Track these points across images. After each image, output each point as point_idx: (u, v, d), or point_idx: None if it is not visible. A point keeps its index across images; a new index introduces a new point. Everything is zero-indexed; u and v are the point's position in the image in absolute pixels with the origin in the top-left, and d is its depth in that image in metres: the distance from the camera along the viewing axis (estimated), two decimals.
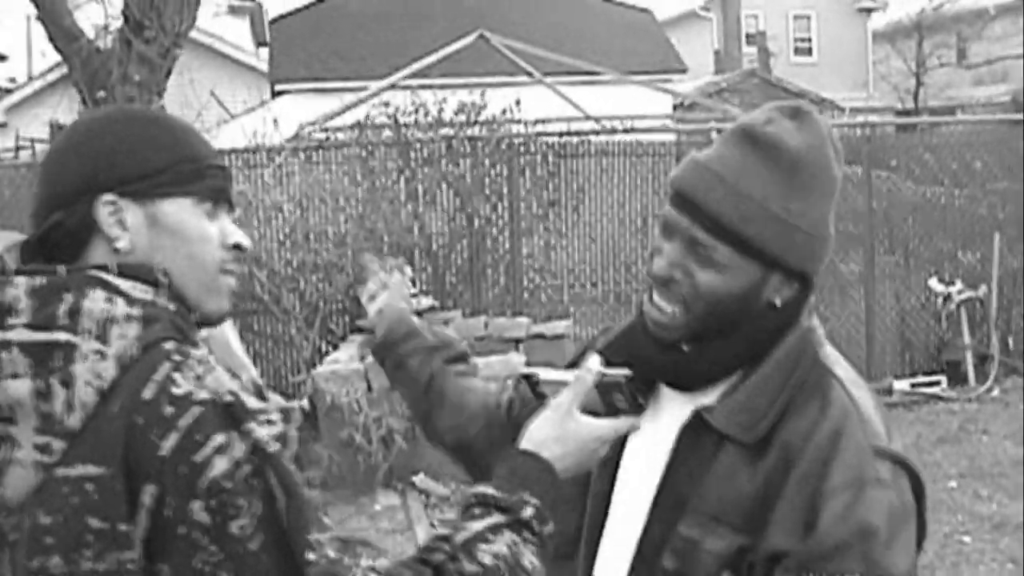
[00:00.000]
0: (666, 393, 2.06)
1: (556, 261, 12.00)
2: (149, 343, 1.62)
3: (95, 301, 1.62)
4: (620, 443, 2.06)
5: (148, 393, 1.56)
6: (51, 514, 1.56)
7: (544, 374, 2.03)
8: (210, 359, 1.64)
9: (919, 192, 12.99)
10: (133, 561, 1.55)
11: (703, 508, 1.92)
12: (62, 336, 1.60)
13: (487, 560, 1.69)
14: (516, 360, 9.71)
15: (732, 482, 1.91)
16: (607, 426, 1.94)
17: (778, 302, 1.97)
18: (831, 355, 2.02)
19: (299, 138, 11.79)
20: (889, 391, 11.61)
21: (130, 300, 1.65)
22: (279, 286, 10.61)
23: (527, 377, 2.06)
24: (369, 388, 9.29)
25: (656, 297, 1.98)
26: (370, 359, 9.55)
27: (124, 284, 1.67)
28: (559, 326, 10.49)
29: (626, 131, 12.71)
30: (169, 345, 1.63)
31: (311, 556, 1.55)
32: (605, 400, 1.96)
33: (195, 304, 1.77)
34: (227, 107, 21.46)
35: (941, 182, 13.14)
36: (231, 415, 1.57)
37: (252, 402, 1.61)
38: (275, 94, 21.76)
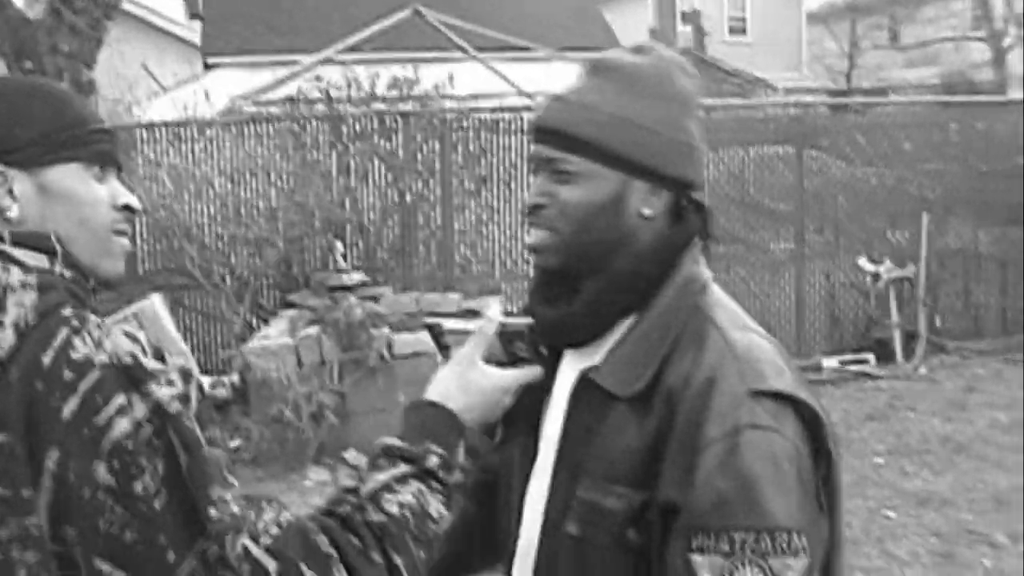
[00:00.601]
0: (566, 355, 2.06)
1: (487, 237, 11.97)
2: (47, 310, 1.62)
3: None
4: (540, 406, 2.07)
5: (47, 359, 1.57)
6: None
7: (447, 324, 2.04)
8: (107, 323, 1.64)
9: (850, 172, 13.09)
10: (37, 526, 1.55)
11: (598, 469, 1.91)
12: None
13: (393, 509, 1.71)
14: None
15: (622, 439, 1.90)
16: (509, 376, 1.96)
17: (647, 211, 1.96)
18: (714, 299, 2.00)
19: (231, 112, 11.69)
20: (818, 368, 11.73)
21: (25, 268, 1.66)
22: (210, 260, 10.54)
23: (430, 327, 2.06)
24: (299, 363, 9.25)
25: (530, 229, 2.00)
26: (301, 334, 9.54)
27: (18, 253, 1.69)
28: (491, 302, 10.48)
29: None
30: (67, 311, 1.63)
31: (214, 513, 1.56)
32: (507, 350, 1.97)
33: (90, 268, 1.78)
34: (159, 80, 21.26)
35: (872, 162, 13.24)
36: (131, 377, 1.58)
37: (152, 363, 1.61)
38: (207, 67, 21.56)
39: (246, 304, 10.57)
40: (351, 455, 8.91)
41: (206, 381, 10.19)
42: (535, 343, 1.96)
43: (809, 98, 18.70)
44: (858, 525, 7.45)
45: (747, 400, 1.81)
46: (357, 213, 11.27)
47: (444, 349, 2.26)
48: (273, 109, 11.66)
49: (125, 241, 1.85)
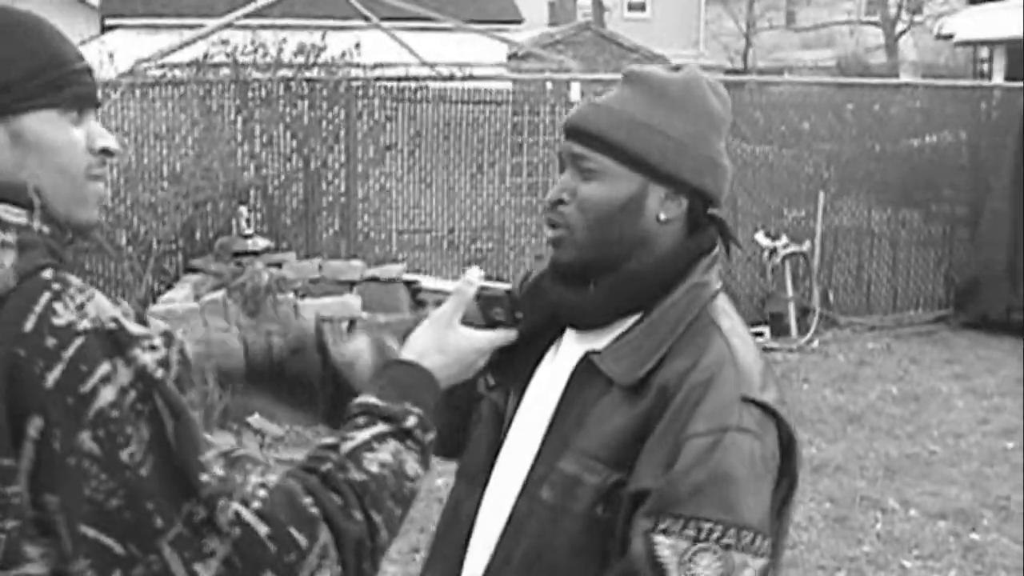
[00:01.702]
0: (569, 334, 2.14)
1: (390, 206, 12.00)
2: (27, 272, 1.58)
3: None
4: (526, 379, 2.16)
5: (29, 325, 1.53)
6: None
7: (426, 282, 2.10)
8: (89, 286, 1.60)
9: (748, 150, 13.28)
10: (17, 495, 1.53)
11: (582, 445, 1.99)
12: None
13: (373, 468, 1.73)
14: (353, 302, 9.74)
15: (610, 421, 1.98)
16: (485, 338, 2.03)
17: (663, 216, 2.04)
18: (719, 305, 2.08)
19: (135, 74, 11.56)
20: None
21: (4, 225, 1.62)
22: (112, 224, 10.42)
23: (409, 283, 2.12)
24: (206, 326, 9.22)
25: (549, 220, 2.08)
26: (206, 298, 9.52)
27: None
28: (393, 269, 10.49)
29: (463, 78, 12.74)
30: (47, 274, 1.59)
31: (204, 477, 1.56)
32: (485, 313, 2.03)
33: (65, 217, 1.71)
34: None
35: (769, 141, 13.45)
36: (115, 342, 1.55)
37: (135, 328, 1.58)
38: (105, 28, 21.21)
39: (149, 269, 10.49)
40: (255, 419, 8.91)
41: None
42: (513, 309, 2.02)
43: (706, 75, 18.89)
44: None
45: (738, 404, 1.91)
46: (261, 179, 11.22)
47: (419, 305, 2.30)
48: (178, 72, 11.53)
49: (101, 187, 1.77)
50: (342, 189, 11.61)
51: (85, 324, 1.55)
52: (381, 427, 1.79)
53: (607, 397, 2.01)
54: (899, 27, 37.23)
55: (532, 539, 2.02)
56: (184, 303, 9.40)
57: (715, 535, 1.82)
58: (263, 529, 1.58)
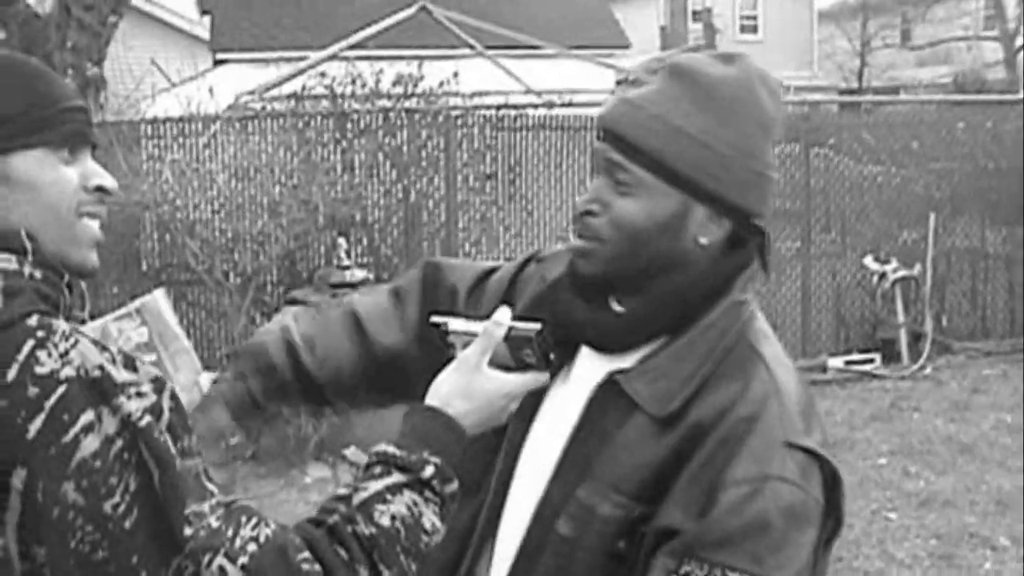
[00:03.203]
0: (584, 353, 2.01)
1: (492, 235, 11.93)
2: (11, 320, 1.55)
3: None
4: (537, 399, 2.01)
5: (12, 374, 1.50)
6: None
7: (453, 324, 1.97)
8: (76, 331, 1.57)
9: (857, 170, 13.05)
10: (3, 548, 1.51)
11: (604, 475, 1.87)
12: None
13: (384, 521, 1.66)
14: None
15: (637, 452, 1.85)
16: (516, 382, 1.88)
17: (704, 240, 1.90)
18: (760, 330, 1.95)
19: (235, 108, 11.66)
20: (823, 369, 11.68)
21: None
22: (212, 256, 10.49)
23: (435, 325, 1.99)
24: None
25: (576, 231, 1.95)
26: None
27: None
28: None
29: (564, 105, 12.65)
30: (32, 320, 1.56)
31: (188, 531, 1.51)
32: (515, 355, 1.89)
33: (59, 258, 1.69)
34: (168, 75, 21.26)
35: (880, 161, 13.20)
36: (99, 390, 1.52)
37: (122, 374, 1.55)
38: (216, 63, 21.57)
39: (248, 300, 10.54)
40: (351, 452, 8.88)
41: (208, 377, 10.15)
42: (544, 349, 1.88)
43: (818, 96, 18.64)
44: (859, 526, 7.41)
45: (781, 449, 1.79)
46: (361, 210, 11.23)
47: (448, 347, 2.23)
48: (277, 105, 11.61)
49: (95, 226, 1.75)
50: (442, 219, 11.58)
51: (68, 372, 1.52)
52: (397, 477, 1.72)
53: (632, 423, 1.87)
54: (1018, 41, 36.51)
55: (547, 570, 1.90)
56: None
57: None
58: None
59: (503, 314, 1.88)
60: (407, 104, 11.49)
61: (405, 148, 11.37)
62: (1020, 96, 17.32)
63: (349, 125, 11.29)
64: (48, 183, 1.68)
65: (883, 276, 12.26)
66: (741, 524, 1.73)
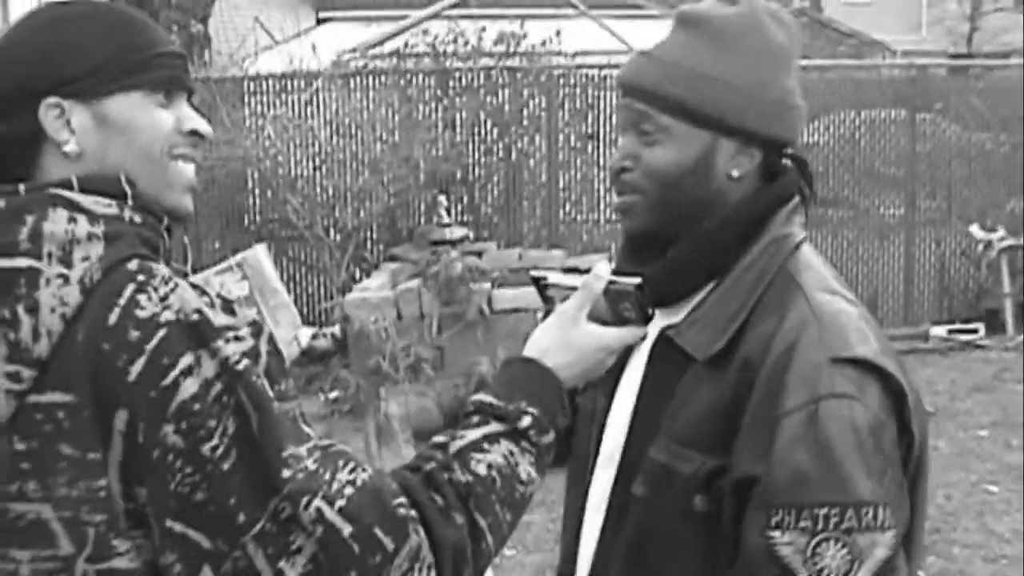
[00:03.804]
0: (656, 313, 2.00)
1: (593, 195, 11.90)
2: (111, 264, 1.56)
3: (57, 222, 1.57)
4: (620, 365, 2.00)
5: (113, 318, 1.52)
6: (25, 440, 1.53)
7: (553, 277, 1.97)
8: (175, 275, 1.58)
9: (965, 137, 12.82)
10: (104, 488, 1.52)
11: (671, 431, 1.86)
12: (24, 262, 1.55)
13: (480, 470, 1.67)
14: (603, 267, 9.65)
15: (696, 402, 1.84)
16: (614, 335, 1.88)
17: (735, 172, 1.91)
18: (803, 261, 1.93)
19: (338, 65, 11.71)
20: (926, 337, 11.53)
21: (93, 217, 1.59)
22: (313, 212, 10.58)
23: (536, 280, 2.00)
24: (399, 316, 9.28)
25: (615, 191, 1.96)
26: (401, 287, 9.58)
27: (86, 200, 1.60)
28: (595, 260, 10.39)
29: None
30: (132, 265, 1.57)
31: (287, 473, 1.52)
32: (614, 309, 1.89)
33: (155, 202, 1.69)
34: (271, 33, 21.42)
35: (988, 127, 12.96)
36: (198, 334, 1.53)
37: (220, 318, 1.55)
38: (319, 21, 21.68)
39: (348, 256, 10.62)
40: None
41: (307, 332, 10.27)
42: (642, 303, 1.88)
43: (925, 60, 18.34)
44: (958, 498, 7.31)
45: (827, 367, 1.75)
46: (462, 168, 11.26)
47: (547, 301, 2.24)
48: (379, 63, 11.65)
49: (189, 170, 1.76)
50: (543, 179, 11.59)
51: (168, 316, 1.53)
52: (494, 427, 1.73)
53: (688, 375, 1.87)
54: None
55: (631, 535, 1.90)
56: (378, 291, 9.47)
57: (833, 521, 1.68)
58: (347, 529, 1.54)
59: (603, 268, 1.88)
60: (509, 63, 11.48)
61: (506, 107, 11.38)
62: None
63: (451, 83, 11.32)
64: (144, 125, 1.69)
65: (989, 245, 12.06)
66: (808, 455, 1.70)
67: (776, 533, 1.70)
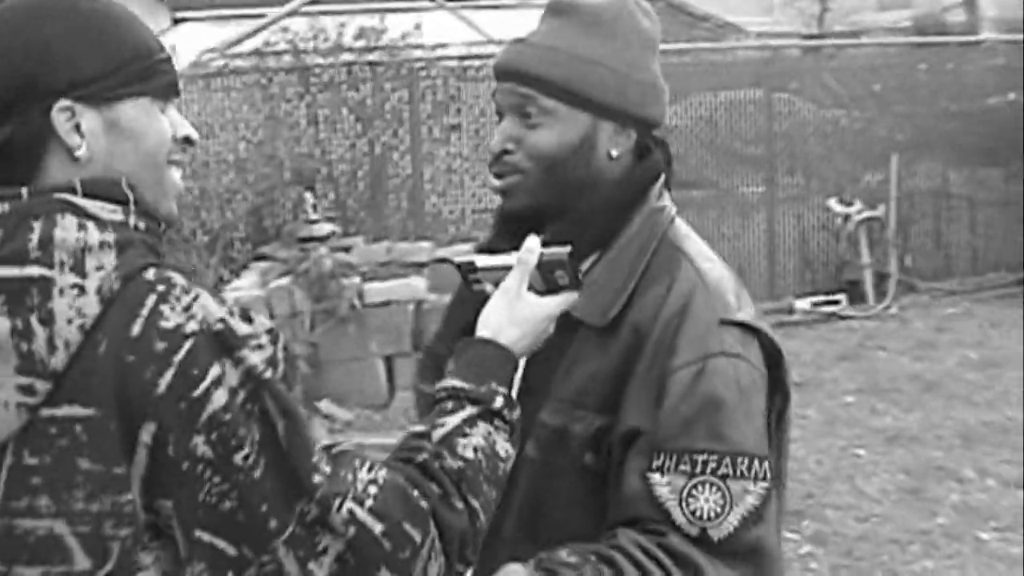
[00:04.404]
0: None
1: (458, 185, 11.95)
2: (129, 274, 1.54)
3: (67, 230, 1.54)
4: None
5: (136, 329, 1.51)
6: (37, 455, 1.52)
7: (481, 261, 2.01)
8: (194, 284, 1.57)
9: (820, 114, 13.10)
10: (130, 502, 1.52)
11: (562, 393, 1.96)
12: (36, 271, 1.51)
13: (468, 454, 1.71)
14: (418, 284, 9.72)
15: (587, 365, 1.95)
16: (555, 303, 1.93)
17: (615, 152, 2.01)
18: (681, 231, 2.05)
19: (198, 65, 11.60)
20: (790, 310, 11.79)
21: (101, 224, 1.57)
22: (179, 214, 10.45)
23: (460, 265, 2.04)
24: (271, 315, 9.23)
25: (495, 173, 2.04)
26: (272, 285, 9.53)
27: (92, 206, 1.58)
28: (462, 250, 10.42)
29: None
30: (150, 274, 1.55)
31: (317, 478, 1.55)
32: (546, 278, 1.94)
33: (154, 209, 1.68)
34: None
35: (842, 104, 13.26)
36: (223, 344, 1.53)
37: (241, 327, 1.56)
38: (176, 21, 21.39)
39: (217, 257, 10.55)
40: (325, 404, 8.93)
41: None
42: (575, 269, 1.93)
43: (779, 41, 18.66)
44: (829, 463, 7.52)
45: (715, 328, 1.89)
46: (327, 164, 11.24)
47: (473, 285, 2.25)
48: (240, 62, 11.56)
49: (178, 176, 1.76)
50: (408, 171, 11.61)
51: (193, 326, 1.53)
52: (470, 410, 1.77)
53: (579, 340, 1.97)
54: None
55: (524, 494, 1.99)
56: (249, 291, 9.43)
57: (710, 467, 1.81)
58: (378, 527, 1.57)
59: (534, 241, 1.93)
60: (370, 57, 11.47)
61: (369, 101, 11.37)
62: (981, 37, 17.40)
63: (312, 80, 11.28)
64: (151, 131, 1.68)
65: (847, 218, 12.35)
66: (694, 406, 1.83)
67: (656, 475, 1.82)
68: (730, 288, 1.97)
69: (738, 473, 1.81)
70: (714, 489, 1.80)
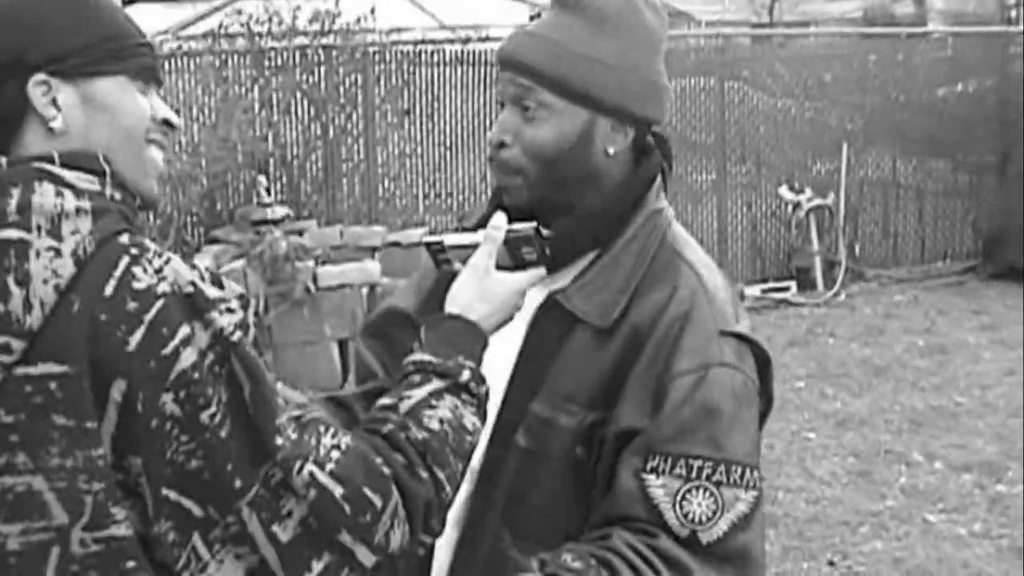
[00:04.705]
0: None
1: (411, 170, 11.96)
2: (104, 237, 1.58)
3: (45, 195, 1.58)
4: None
5: (109, 289, 1.55)
6: (13, 412, 1.55)
7: (449, 240, 2.03)
8: (165, 250, 1.62)
9: (771, 103, 13.21)
10: (102, 457, 1.55)
11: (556, 387, 1.98)
12: (13, 233, 1.56)
13: (434, 425, 1.73)
14: (372, 268, 9.73)
15: (583, 362, 1.97)
16: (523, 279, 1.96)
17: (611, 149, 2.02)
18: (680, 236, 2.08)
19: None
20: (741, 297, 11.83)
21: (78, 192, 1.61)
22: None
23: (430, 245, 2.07)
24: None
25: (495, 168, 2.06)
26: (225, 268, 9.51)
27: (69, 175, 1.62)
28: (414, 234, 10.45)
29: (481, 40, 12.64)
30: (124, 238, 1.60)
31: (279, 440, 1.58)
32: (513, 255, 1.98)
33: (132, 185, 1.71)
34: None
35: (793, 94, 13.36)
36: (193, 305, 1.57)
37: (212, 291, 1.60)
38: (127, 2, 21.25)
39: (170, 241, 10.50)
40: (279, 388, 8.90)
41: None
42: (542, 245, 1.97)
43: (730, 30, 18.78)
44: (780, 447, 7.61)
45: (716, 338, 1.93)
46: (280, 148, 11.18)
47: (443, 264, 2.27)
48: (193, 44, 11.50)
49: (160, 157, 1.79)
50: (361, 155, 11.58)
51: (164, 287, 1.56)
52: (437, 383, 1.79)
53: (576, 337, 1.99)
54: None
55: (511, 483, 2.01)
56: None
57: (705, 472, 1.85)
58: (338, 490, 1.60)
59: (500, 219, 1.96)
60: (324, 41, 11.42)
61: (323, 85, 11.34)
62: (929, 28, 17.57)
63: (266, 63, 11.22)
64: (127, 107, 1.72)
65: (797, 206, 12.46)
66: (693, 413, 1.87)
67: (651, 476, 1.86)
68: (728, 298, 2.02)
69: (731, 481, 1.86)
70: (707, 494, 1.85)
